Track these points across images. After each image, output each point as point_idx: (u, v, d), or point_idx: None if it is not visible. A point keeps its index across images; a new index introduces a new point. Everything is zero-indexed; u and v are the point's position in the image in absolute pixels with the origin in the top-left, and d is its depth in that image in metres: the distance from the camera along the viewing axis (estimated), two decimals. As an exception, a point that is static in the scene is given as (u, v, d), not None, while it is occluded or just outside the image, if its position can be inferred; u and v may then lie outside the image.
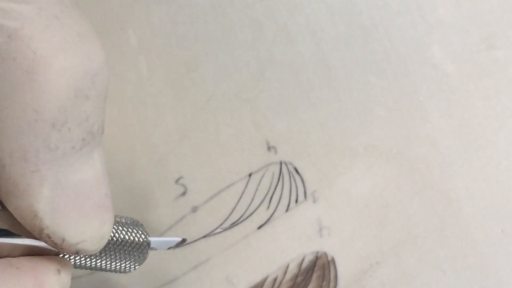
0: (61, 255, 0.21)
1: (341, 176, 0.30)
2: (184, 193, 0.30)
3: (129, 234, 0.25)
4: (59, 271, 0.20)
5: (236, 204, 0.30)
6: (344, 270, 0.29)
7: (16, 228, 0.20)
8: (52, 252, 0.21)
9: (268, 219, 0.30)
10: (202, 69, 0.31)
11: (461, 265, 0.29)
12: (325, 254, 0.29)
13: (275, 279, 0.29)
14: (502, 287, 0.28)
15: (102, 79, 0.19)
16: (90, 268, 0.24)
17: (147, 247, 0.26)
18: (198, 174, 0.30)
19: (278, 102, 0.30)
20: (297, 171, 0.30)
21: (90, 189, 0.20)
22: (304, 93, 0.30)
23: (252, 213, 0.30)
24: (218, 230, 0.30)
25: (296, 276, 0.29)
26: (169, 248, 0.28)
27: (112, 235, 0.24)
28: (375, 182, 0.30)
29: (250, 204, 0.30)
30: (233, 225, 0.30)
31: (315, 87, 0.30)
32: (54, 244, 0.20)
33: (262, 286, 0.29)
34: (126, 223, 0.25)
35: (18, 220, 0.19)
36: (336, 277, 0.29)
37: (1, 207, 0.19)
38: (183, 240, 0.28)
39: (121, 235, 0.24)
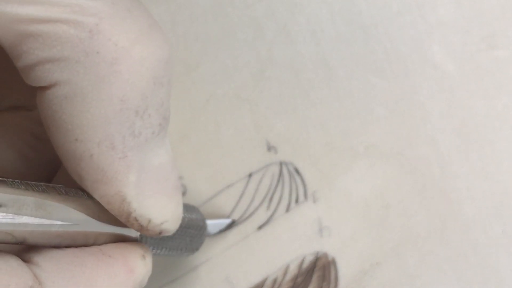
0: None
1: (342, 176, 0.30)
2: (184, 193, 0.30)
3: (192, 216, 0.26)
4: (144, 256, 0.21)
5: (236, 204, 0.30)
6: (345, 271, 0.29)
7: (101, 217, 0.20)
8: (132, 239, 0.22)
9: (268, 220, 0.30)
10: (202, 69, 0.31)
11: (462, 266, 0.29)
12: (326, 255, 0.29)
13: (275, 280, 0.29)
14: (503, 287, 0.28)
15: (171, 66, 0.20)
16: (158, 254, 0.24)
17: (205, 229, 0.27)
18: (198, 174, 0.30)
19: (278, 102, 0.30)
20: (297, 171, 0.30)
21: (167, 172, 0.21)
22: (304, 93, 0.30)
23: (252, 213, 0.30)
24: (218, 230, 0.30)
25: (296, 276, 0.29)
26: (219, 232, 0.29)
27: (184, 219, 0.25)
28: (375, 182, 0.30)
29: (250, 205, 0.30)
30: (233, 225, 0.30)
31: (315, 87, 0.30)
32: (141, 227, 0.20)
33: (262, 286, 0.29)
34: (185, 206, 0.26)
35: (105, 206, 0.20)
36: (336, 277, 0.29)
37: (87, 196, 0.20)
38: (233, 222, 0.29)
39: (186, 217, 0.26)
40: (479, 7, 0.30)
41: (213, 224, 0.28)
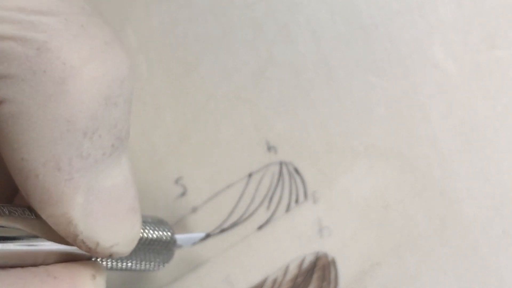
0: (94, 259, 0.22)
1: (342, 176, 0.30)
2: (184, 193, 0.30)
3: (156, 233, 0.25)
4: (94, 276, 0.21)
5: (236, 204, 0.30)
6: (345, 271, 0.29)
7: (49, 236, 0.20)
8: (84, 257, 0.21)
9: (268, 220, 0.30)
10: (202, 69, 0.31)
11: (462, 266, 0.29)
12: (326, 255, 0.29)
13: (275, 280, 0.29)
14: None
15: (129, 84, 0.19)
16: (121, 269, 0.24)
17: (173, 244, 0.26)
18: (198, 174, 0.30)
19: (278, 102, 0.30)
20: (297, 171, 0.30)
21: (120, 193, 0.20)
22: (304, 93, 0.30)
23: (252, 214, 0.30)
24: (218, 230, 0.30)
25: (296, 276, 0.29)
26: (193, 244, 0.28)
27: (141, 235, 0.24)
28: (375, 183, 0.30)
29: (250, 205, 0.30)
30: (233, 225, 0.30)
31: (315, 87, 0.30)
32: (89, 249, 0.20)
33: (262, 286, 0.29)
34: (152, 222, 0.26)
35: (52, 227, 0.19)
36: (336, 277, 0.29)
37: (34, 215, 0.20)
38: (207, 235, 0.29)
39: (149, 234, 0.25)
40: (479, 7, 0.30)
41: (184, 238, 0.28)
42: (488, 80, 0.29)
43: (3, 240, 0.19)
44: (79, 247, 0.20)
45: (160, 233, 0.26)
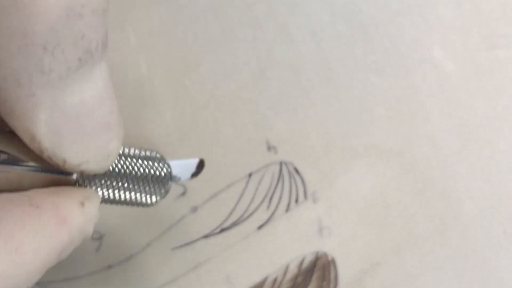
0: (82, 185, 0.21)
1: (342, 176, 0.30)
2: (184, 193, 0.30)
3: (149, 168, 0.24)
4: (82, 203, 0.20)
5: (236, 204, 0.30)
6: (345, 271, 0.29)
7: (27, 154, 0.19)
8: (71, 182, 0.20)
9: (268, 219, 0.30)
10: (202, 69, 0.31)
11: (462, 266, 0.29)
12: (325, 255, 0.29)
13: (275, 280, 0.29)
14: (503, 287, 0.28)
15: None
16: (115, 201, 0.23)
17: (167, 179, 0.25)
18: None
19: (278, 102, 0.30)
20: (297, 171, 0.30)
21: (91, 109, 0.19)
22: (304, 93, 0.30)
23: (252, 213, 0.30)
24: (218, 230, 0.30)
25: (296, 276, 0.29)
26: (192, 177, 0.27)
27: (131, 168, 0.23)
28: (375, 182, 0.30)
29: (250, 204, 0.30)
30: (233, 225, 0.30)
31: (315, 87, 0.30)
32: (57, 165, 0.19)
33: (262, 286, 0.29)
34: (146, 156, 0.24)
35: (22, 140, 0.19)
36: (336, 277, 0.29)
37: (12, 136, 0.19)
38: (202, 162, 0.27)
39: (141, 168, 0.24)
40: (479, 7, 0.30)
41: (177, 166, 0.26)
42: (488, 80, 0.29)
43: None
44: (48, 162, 0.19)
45: (154, 168, 0.24)
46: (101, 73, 0.19)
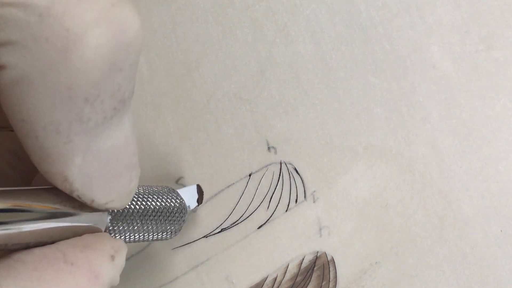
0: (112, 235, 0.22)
1: (341, 176, 0.30)
2: (184, 193, 0.30)
3: (169, 201, 0.25)
4: (113, 258, 0.20)
5: (236, 204, 0.30)
6: (344, 270, 0.29)
7: (68, 205, 0.20)
8: (97, 230, 0.21)
9: (268, 219, 0.30)
10: (202, 69, 0.31)
11: (461, 265, 0.29)
12: (325, 254, 0.29)
13: (275, 279, 0.29)
14: (501, 287, 0.28)
15: (136, 48, 0.18)
16: (140, 240, 0.24)
17: (183, 210, 0.26)
18: (198, 174, 0.30)
19: (278, 102, 0.30)
20: (297, 171, 0.30)
21: (119, 152, 0.20)
22: (304, 93, 0.30)
23: (252, 213, 0.30)
24: (218, 230, 0.30)
25: (296, 276, 0.29)
26: (198, 204, 0.28)
27: (154, 204, 0.24)
28: (374, 182, 0.30)
29: (250, 204, 0.30)
30: (233, 225, 0.30)
31: (315, 87, 0.30)
32: (84, 203, 0.20)
33: (262, 286, 0.29)
34: (163, 191, 0.26)
35: (48, 181, 0.19)
36: (335, 276, 0.29)
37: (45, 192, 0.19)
38: (199, 187, 0.29)
39: (162, 203, 0.25)
40: (477, 8, 0.30)
41: (184, 194, 0.27)
42: (486, 81, 0.30)
43: (19, 222, 0.18)
44: (76, 199, 0.20)
45: (174, 200, 0.26)
46: (129, 118, 0.20)
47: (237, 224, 0.30)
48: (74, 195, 0.19)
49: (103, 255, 0.20)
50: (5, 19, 0.17)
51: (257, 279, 0.29)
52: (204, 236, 0.30)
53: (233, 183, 0.30)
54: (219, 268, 0.29)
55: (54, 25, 0.17)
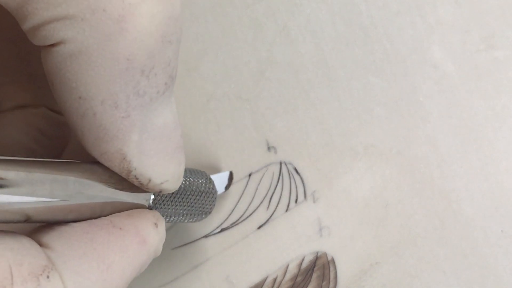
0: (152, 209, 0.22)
1: (341, 176, 0.30)
2: (184, 193, 0.30)
3: (203, 184, 0.26)
4: (156, 225, 0.21)
5: (236, 204, 0.30)
6: (344, 270, 0.29)
7: (109, 182, 0.20)
8: (138, 206, 0.21)
9: (268, 219, 0.30)
10: (202, 69, 0.31)
11: (461, 265, 0.29)
12: (325, 254, 0.29)
13: (275, 279, 0.29)
14: (502, 287, 0.28)
15: (181, 23, 0.19)
16: (172, 220, 0.24)
17: (214, 191, 0.27)
18: (198, 174, 0.30)
19: (278, 102, 0.30)
20: (297, 171, 0.30)
21: (170, 131, 0.20)
22: (304, 93, 0.30)
23: (252, 213, 0.30)
24: (218, 230, 0.30)
25: (296, 276, 0.29)
26: (225, 189, 0.29)
27: (192, 187, 0.25)
28: (375, 182, 0.30)
29: (250, 204, 0.30)
30: (233, 225, 0.30)
31: (315, 87, 0.30)
32: (140, 184, 0.20)
33: (262, 286, 0.29)
34: (197, 175, 0.26)
35: (105, 164, 0.20)
36: (336, 277, 0.29)
37: (91, 166, 0.20)
38: (231, 174, 0.30)
39: (199, 186, 0.25)
40: (478, 8, 0.30)
41: (216, 179, 0.28)
42: (487, 80, 0.30)
43: (64, 195, 0.19)
44: (132, 181, 0.20)
45: (202, 180, 0.26)
46: (174, 99, 0.20)
47: (237, 224, 0.30)
48: (131, 175, 0.20)
49: (148, 222, 0.21)
50: None
51: (257, 279, 0.29)
52: (204, 236, 0.30)
53: (233, 183, 0.30)
54: (219, 268, 0.30)
55: None
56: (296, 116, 0.30)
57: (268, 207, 0.30)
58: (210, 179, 0.27)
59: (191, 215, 0.25)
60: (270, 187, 0.30)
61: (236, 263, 0.30)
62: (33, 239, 0.19)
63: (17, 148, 0.23)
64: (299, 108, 0.30)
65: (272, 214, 0.30)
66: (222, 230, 0.30)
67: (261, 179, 0.30)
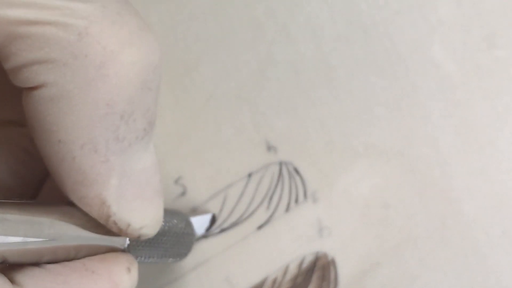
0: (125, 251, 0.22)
1: (342, 176, 0.30)
2: (183, 193, 0.30)
3: (178, 223, 0.26)
4: (129, 270, 0.21)
5: (236, 204, 0.30)
6: (344, 271, 0.29)
7: (86, 226, 0.20)
8: (115, 249, 0.21)
9: (268, 219, 0.30)
10: (202, 69, 0.31)
11: (462, 266, 0.29)
12: (325, 255, 0.29)
13: (275, 280, 0.29)
14: (503, 288, 0.28)
15: (160, 70, 0.20)
16: (147, 261, 0.24)
17: (192, 233, 0.27)
18: (198, 174, 0.30)
19: (278, 102, 0.30)
20: (297, 171, 0.30)
21: (150, 176, 0.20)
22: (305, 93, 0.30)
23: (252, 213, 0.30)
24: (218, 230, 0.30)
25: (296, 276, 0.29)
26: (206, 231, 0.29)
27: (169, 225, 0.25)
28: (375, 182, 0.30)
29: (250, 204, 0.30)
30: (233, 225, 0.30)
31: (315, 86, 0.30)
32: (119, 230, 0.20)
33: (262, 286, 0.29)
34: (172, 212, 0.26)
35: (83, 209, 0.20)
36: (336, 277, 0.29)
37: (67, 208, 0.20)
38: (214, 217, 0.30)
39: (173, 224, 0.26)
40: (479, 7, 0.30)
41: (196, 221, 0.28)
42: (488, 80, 0.29)
43: (41, 236, 0.19)
44: (110, 228, 0.20)
45: (180, 222, 0.26)
46: (153, 146, 0.21)
47: (237, 224, 0.30)
48: (111, 220, 0.20)
49: (121, 267, 0.21)
50: (46, 38, 0.18)
51: (257, 280, 0.29)
52: (204, 236, 0.30)
53: (233, 183, 0.30)
54: (218, 268, 0.30)
55: (92, 43, 0.18)
56: (296, 116, 0.30)
57: (268, 207, 0.30)
58: (189, 222, 0.27)
59: (166, 257, 0.25)
60: (270, 187, 0.30)
61: (236, 263, 0.30)
62: (6, 276, 0.19)
63: (0, 166, 0.23)
64: (299, 108, 0.30)
65: (272, 214, 0.30)
66: (222, 230, 0.30)
67: (261, 179, 0.30)
